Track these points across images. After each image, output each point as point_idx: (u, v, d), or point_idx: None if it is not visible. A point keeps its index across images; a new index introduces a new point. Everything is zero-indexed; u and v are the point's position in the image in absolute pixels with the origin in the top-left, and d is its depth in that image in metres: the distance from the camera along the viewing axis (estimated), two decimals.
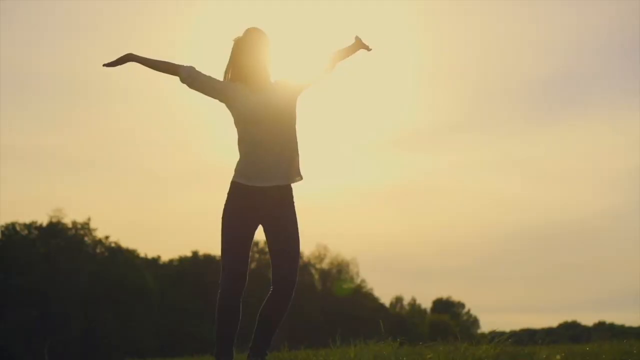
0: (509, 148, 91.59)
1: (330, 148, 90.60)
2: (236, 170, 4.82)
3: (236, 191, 4.80)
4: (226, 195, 4.80)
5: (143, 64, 4.80)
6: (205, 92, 4.83)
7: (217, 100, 4.85)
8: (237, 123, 4.81)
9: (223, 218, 4.78)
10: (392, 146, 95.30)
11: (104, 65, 4.81)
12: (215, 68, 4.89)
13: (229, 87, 4.81)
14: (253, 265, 59.44)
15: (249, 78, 4.82)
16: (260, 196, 4.78)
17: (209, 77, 4.82)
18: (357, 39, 4.88)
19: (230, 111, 4.83)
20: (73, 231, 52.68)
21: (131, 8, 78.12)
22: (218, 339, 4.81)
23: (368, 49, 4.89)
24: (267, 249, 4.88)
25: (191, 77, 4.80)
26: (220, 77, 4.85)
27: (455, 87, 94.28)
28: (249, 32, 4.83)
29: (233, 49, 4.86)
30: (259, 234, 4.84)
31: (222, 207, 4.79)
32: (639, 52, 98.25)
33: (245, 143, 4.78)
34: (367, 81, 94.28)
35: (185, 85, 4.82)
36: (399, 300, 78.26)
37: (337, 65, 4.89)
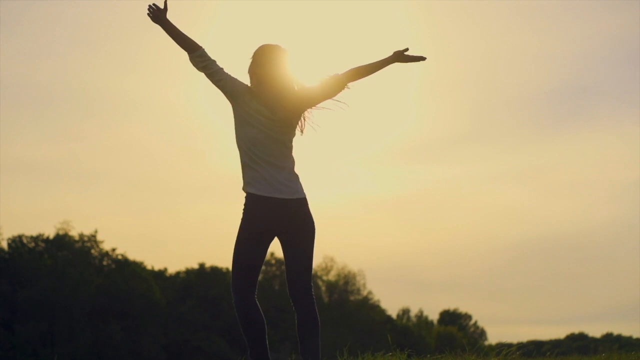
0: (514, 160, 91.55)
1: (336, 159, 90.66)
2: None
3: None
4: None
5: (167, 31, 4.72)
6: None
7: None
8: None
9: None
10: (398, 158, 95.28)
11: (148, 13, 4.74)
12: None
13: None
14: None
15: None
16: None
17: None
18: (398, 53, 4.50)
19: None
20: (80, 243, 52.75)
21: (142, 19, 78.26)
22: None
23: (420, 59, 4.50)
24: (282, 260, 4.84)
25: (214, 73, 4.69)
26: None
27: (460, 98, 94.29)
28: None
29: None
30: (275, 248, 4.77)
31: (240, 219, 4.66)
32: None
33: None
34: (372, 92, 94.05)
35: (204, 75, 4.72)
36: (405, 312, 78.05)
37: (355, 80, 4.58)
